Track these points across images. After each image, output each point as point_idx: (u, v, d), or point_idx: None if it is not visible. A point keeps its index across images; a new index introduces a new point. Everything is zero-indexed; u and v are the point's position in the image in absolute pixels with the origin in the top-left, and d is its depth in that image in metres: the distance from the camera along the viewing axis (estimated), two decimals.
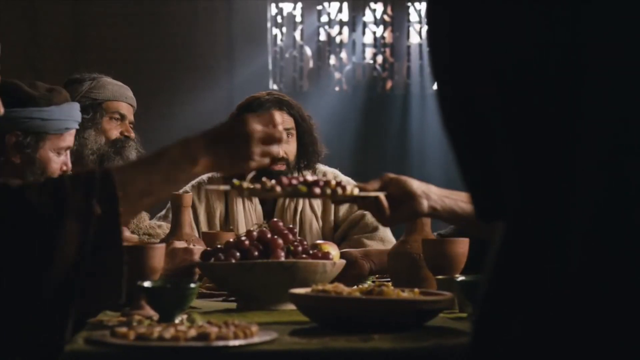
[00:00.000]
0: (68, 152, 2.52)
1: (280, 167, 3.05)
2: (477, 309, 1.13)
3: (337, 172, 3.24)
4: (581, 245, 1.00)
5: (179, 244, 2.19)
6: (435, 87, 1.13)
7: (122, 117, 2.89)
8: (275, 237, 2.09)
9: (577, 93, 1.00)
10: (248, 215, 3.09)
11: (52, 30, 5.44)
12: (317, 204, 3.14)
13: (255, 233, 2.11)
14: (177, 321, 1.72)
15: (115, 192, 1.50)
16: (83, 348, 1.51)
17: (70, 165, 2.50)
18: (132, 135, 2.90)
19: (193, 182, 3.20)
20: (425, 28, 6.04)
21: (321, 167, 3.24)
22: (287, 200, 3.13)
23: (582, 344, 0.99)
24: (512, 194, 1.07)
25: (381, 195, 1.88)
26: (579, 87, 1.00)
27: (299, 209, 3.12)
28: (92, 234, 1.47)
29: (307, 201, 3.13)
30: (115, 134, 2.87)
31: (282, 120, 3.04)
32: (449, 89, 1.12)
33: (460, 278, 1.93)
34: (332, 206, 3.14)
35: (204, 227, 3.09)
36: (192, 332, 1.51)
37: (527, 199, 1.05)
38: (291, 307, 1.92)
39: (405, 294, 1.73)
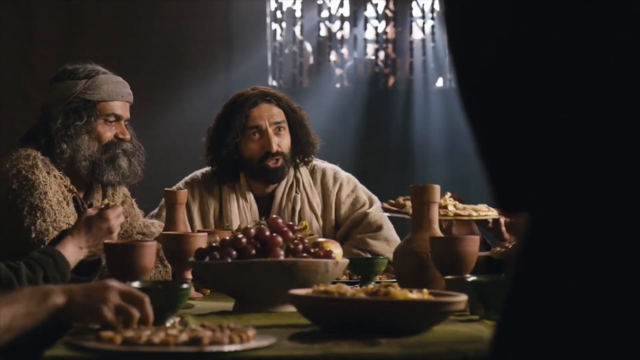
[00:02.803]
0: None
1: (277, 163, 2.96)
2: (499, 310, 1.05)
3: (337, 168, 3.15)
4: (616, 240, 0.93)
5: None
6: (455, 73, 1.02)
7: (118, 118, 2.79)
8: (274, 234, 1.99)
9: (613, 71, 0.92)
10: (243, 214, 3.00)
11: (46, 26, 5.38)
12: (317, 202, 3.04)
13: (252, 230, 2.00)
14: (168, 324, 1.62)
15: None
16: (64, 353, 1.43)
17: None
18: (127, 136, 2.79)
19: (187, 178, 3.12)
20: (428, 23, 6.01)
21: (320, 164, 3.15)
22: (284, 199, 3.04)
23: (618, 348, 0.92)
24: (540, 184, 0.97)
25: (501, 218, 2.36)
26: (616, 66, 0.92)
27: (297, 208, 3.03)
28: None
29: (305, 200, 3.05)
30: (109, 136, 2.76)
31: (272, 113, 2.97)
32: (471, 72, 1.01)
33: (472, 278, 1.84)
34: (333, 205, 3.06)
35: (197, 225, 3.02)
36: (184, 337, 1.43)
37: (556, 190, 0.96)
38: (291, 309, 1.85)
39: (414, 295, 1.63)
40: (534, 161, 0.97)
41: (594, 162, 0.93)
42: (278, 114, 3.00)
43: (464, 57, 1.02)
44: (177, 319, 1.68)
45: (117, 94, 2.78)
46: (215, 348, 1.38)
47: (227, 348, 1.39)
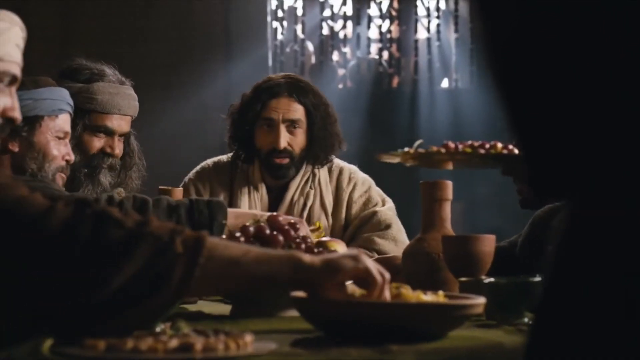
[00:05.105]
0: (68, 142, 2.43)
1: (282, 160, 2.88)
2: (534, 313, 0.97)
3: (354, 168, 3.06)
4: None
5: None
6: (488, 58, 0.92)
7: (109, 132, 2.65)
8: (275, 233, 1.88)
9: None
10: (253, 205, 2.93)
11: (40, 23, 5.34)
12: (329, 200, 2.97)
13: (251, 229, 1.88)
14: (158, 329, 1.49)
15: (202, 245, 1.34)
16: None
17: (72, 156, 2.38)
18: (116, 152, 2.67)
19: (197, 168, 3.05)
20: (433, 22, 5.95)
21: (338, 162, 3.07)
22: (297, 194, 2.96)
23: None
24: (579, 168, 0.88)
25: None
26: None
27: (309, 204, 2.96)
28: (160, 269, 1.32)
29: (318, 196, 2.97)
30: (96, 147, 2.65)
31: (289, 109, 2.86)
32: (505, 54, 0.92)
33: (488, 280, 1.72)
34: (345, 204, 2.99)
35: None
36: (174, 343, 1.30)
37: (597, 175, 0.86)
38: (293, 313, 1.74)
39: (428, 298, 1.51)
40: (572, 145, 0.87)
41: (636, 147, 0.83)
42: (296, 111, 2.90)
43: (499, 44, 0.91)
44: (168, 324, 1.55)
45: (111, 107, 2.65)
46: (208, 355, 1.26)
47: (222, 355, 1.27)
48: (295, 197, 2.95)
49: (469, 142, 1.97)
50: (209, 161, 3.05)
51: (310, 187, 2.96)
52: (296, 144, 2.89)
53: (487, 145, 1.95)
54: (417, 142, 1.99)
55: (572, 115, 0.85)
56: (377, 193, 3.03)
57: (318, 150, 2.94)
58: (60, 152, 2.35)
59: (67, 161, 2.38)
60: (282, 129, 2.87)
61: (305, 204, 2.94)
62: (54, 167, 2.32)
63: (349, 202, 2.98)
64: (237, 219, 2.15)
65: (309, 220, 2.90)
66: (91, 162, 2.64)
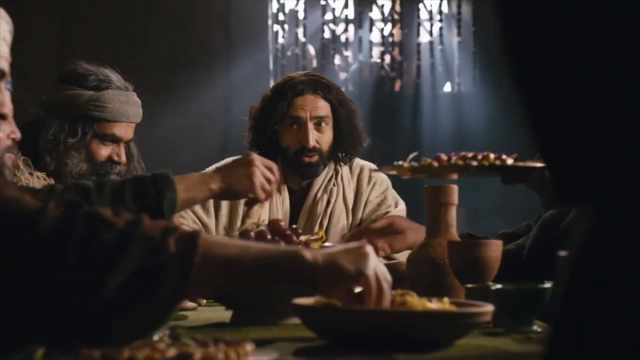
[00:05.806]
0: (12, 118, 2.29)
1: (312, 158, 2.88)
2: (550, 320, 0.91)
3: (373, 166, 3.09)
4: None
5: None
6: (509, 56, 0.88)
7: (116, 140, 2.62)
8: (276, 238, 1.84)
9: None
10: (274, 206, 2.91)
11: (38, 24, 5.31)
12: (350, 197, 2.99)
13: (252, 234, 1.85)
14: (156, 338, 1.44)
15: (196, 243, 1.29)
16: None
17: (18, 134, 2.27)
18: (122, 159, 2.63)
19: (219, 163, 2.99)
20: (436, 25, 5.92)
21: (359, 161, 3.08)
22: (320, 192, 2.96)
23: None
24: (604, 171, 0.84)
25: None
26: None
27: (332, 200, 2.96)
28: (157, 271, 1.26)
29: (341, 193, 2.98)
30: (103, 155, 2.62)
31: (316, 106, 2.84)
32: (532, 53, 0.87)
33: (496, 286, 1.68)
34: (363, 202, 2.99)
35: (225, 214, 2.92)
36: (172, 352, 1.26)
37: (622, 177, 0.82)
38: (295, 320, 1.72)
39: (434, 305, 1.46)
40: (596, 148, 0.83)
41: None
42: (322, 108, 2.89)
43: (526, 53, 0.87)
44: (167, 332, 1.51)
45: (121, 115, 2.62)
46: None
47: None
48: (319, 195, 2.95)
49: (462, 153, 1.94)
50: (230, 160, 3.02)
51: (334, 185, 2.96)
52: (324, 141, 2.89)
53: (480, 157, 1.91)
54: (411, 155, 1.96)
55: (596, 116, 0.81)
56: (392, 195, 3.03)
57: (346, 145, 2.94)
58: (5, 131, 2.26)
59: (13, 139, 2.29)
60: (310, 126, 2.86)
61: (328, 201, 2.94)
62: (1, 150, 2.24)
63: (366, 202, 2.98)
64: (187, 191, 2.01)
65: (331, 217, 2.92)
66: (99, 170, 2.60)
